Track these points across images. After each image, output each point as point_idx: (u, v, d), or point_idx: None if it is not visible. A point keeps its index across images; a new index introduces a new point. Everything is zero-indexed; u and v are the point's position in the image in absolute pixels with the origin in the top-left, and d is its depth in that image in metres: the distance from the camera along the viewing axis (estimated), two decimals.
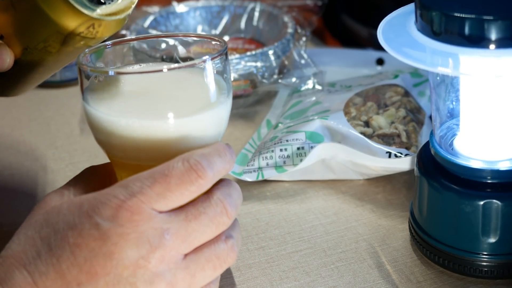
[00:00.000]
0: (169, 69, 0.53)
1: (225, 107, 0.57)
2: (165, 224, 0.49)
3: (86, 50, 0.58)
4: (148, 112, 0.55)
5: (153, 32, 0.96)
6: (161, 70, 0.53)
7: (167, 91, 0.55)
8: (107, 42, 0.60)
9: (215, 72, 0.56)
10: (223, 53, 0.56)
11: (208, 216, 0.51)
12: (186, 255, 0.50)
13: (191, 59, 0.64)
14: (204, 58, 0.55)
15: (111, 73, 0.56)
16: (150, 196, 0.49)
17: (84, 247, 0.48)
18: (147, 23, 0.96)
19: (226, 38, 0.99)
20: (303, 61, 0.91)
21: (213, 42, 0.60)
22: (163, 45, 0.95)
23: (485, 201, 0.59)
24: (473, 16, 0.53)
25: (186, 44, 1.00)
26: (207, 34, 0.61)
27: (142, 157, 0.55)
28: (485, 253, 0.61)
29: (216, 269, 0.52)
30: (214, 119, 0.56)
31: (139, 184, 0.50)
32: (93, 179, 0.58)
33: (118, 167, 0.59)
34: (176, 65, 0.54)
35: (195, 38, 0.63)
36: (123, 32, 0.95)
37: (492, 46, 0.54)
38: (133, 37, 0.63)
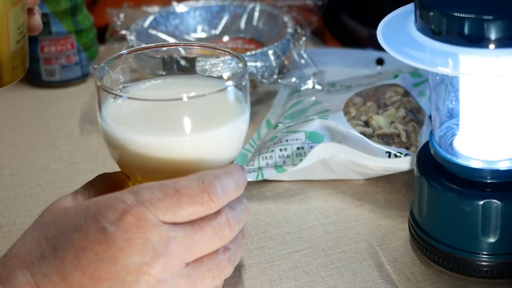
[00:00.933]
0: (189, 98, 0.53)
1: (244, 120, 0.57)
2: (171, 232, 0.49)
3: (102, 64, 0.57)
4: (166, 129, 0.55)
5: (152, 32, 0.96)
6: (181, 99, 0.53)
7: (186, 108, 0.55)
8: (122, 52, 0.59)
9: (234, 91, 0.56)
10: (245, 75, 0.56)
11: (213, 229, 0.51)
12: (187, 264, 0.51)
13: (193, 60, 0.64)
14: (228, 84, 0.55)
15: (124, 97, 0.56)
16: (158, 208, 0.49)
17: (89, 250, 0.48)
18: (147, 23, 0.96)
19: (226, 38, 0.99)
20: (303, 61, 0.91)
21: (227, 57, 0.60)
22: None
23: (485, 201, 0.59)
24: (472, 16, 0.53)
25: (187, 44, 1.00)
26: (226, 48, 0.60)
27: (160, 176, 0.55)
28: (485, 253, 0.61)
29: (215, 279, 0.52)
30: (234, 133, 0.57)
31: (149, 193, 0.50)
32: (105, 186, 0.58)
33: (133, 182, 0.59)
34: (197, 93, 0.53)
35: (212, 49, 0.63)
36: (123, 32, 0.95)
37: (491, 46, 0.54)
38: (151, 44, 0.63)
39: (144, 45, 0.63)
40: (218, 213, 0.52)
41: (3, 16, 0.59)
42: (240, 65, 0.58)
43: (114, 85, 0.59)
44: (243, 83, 0.57)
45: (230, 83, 0.55)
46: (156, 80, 0.61)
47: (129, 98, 0.56)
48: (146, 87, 0.60)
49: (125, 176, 0.59)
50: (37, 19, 0.66)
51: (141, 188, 0.50)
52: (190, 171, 0.53)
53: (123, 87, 0.60)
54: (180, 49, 0.97)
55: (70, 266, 0.48)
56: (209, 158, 0.55)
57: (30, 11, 0.65)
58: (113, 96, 0.56)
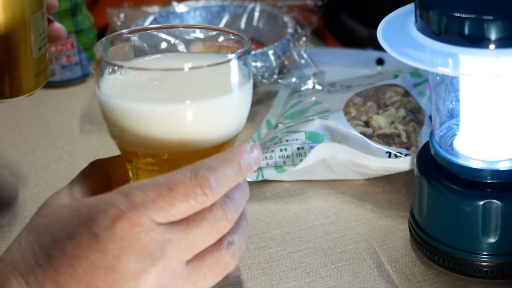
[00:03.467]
0: (191, 68, 0.52)
1: (247, 90, 0.56)
2: (166, 235, 0.48)
3: (103, 39, 0.57)
4: (171, 97, 0.54)
5: (153, 32, 0.96)
6: (183, 69, 0.52)
7: (189, 78, 0.54)
8: (123, 31, 0.59)
9: (237, 64, 0.55)
10: (247, 51, 0.56)
11: (210, 222, 0.50)
12: (187, 262, 0.50)
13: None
14: (230, 57, 0.54)
15: (125, 67, 0.55)
16: (151, 209, 0.48)
17: (83, 259, 0.47)
18: (147, 23, 0.96)
19: None
20: (303, 61, 0.91)
21: (232, 37, 0.59)
22: (164, 44, 0.95)
23: (485, 201, 0.59)
24: (472, 16, 0.53)
25: (187, 43, 1.01)
26: (226, 28, 0.60)
27: (163, 149, 0.54)
28: (485, 253, 0.61)
29: (217, 276, 0.51)
30: (237, 101, 0.55)
31: (141, 194, 0.48)
32: (100, 174, 0.57)
33: (133, 160, 0.58)
34: (199, 64, 0.52)
35: (214, 32, 0.62)
36: (123, 32, 0.95)
37: (491, 46, 0.54)
38: (153, 26, 0.61)
39: (146, 26, 0.62)
40: (213, 204, 0.50)
41: (25, 23, 0.60)
42: (244, 40, 0.58)
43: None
44: (246, 57, 0.56)
45: (232, 56, 0.55)
46: (156, 55, 0.60)
47: (130, 68, 0.55)
48: (147, 60, 0.60)
49: (118, 160, 0.58)
50: (58, 27, 0.65)
51: (133, 188, 0.49)
52: (194, 143, 0.52)
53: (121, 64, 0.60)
54: (181, 47, 0.97)
55: (65, 275, 0.47)
56: (213, 128, 0.54)
57: (49, 20, 0.65)
58: (114, 68, 0.55)
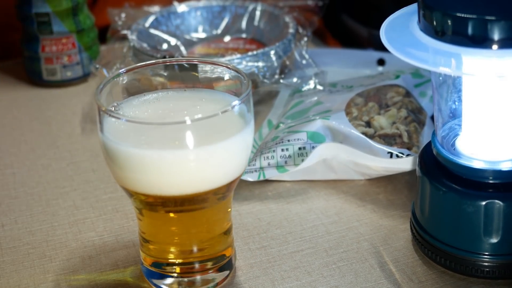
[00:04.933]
0: (192, 121, 0.54)
1: (249, 130, 0.58)
2: None
3: (101, 85, 0.58)
4: (179, 142, 0.55)
5: (155, 32, 0.96)
6: (184, 122, 0.54)
7: (193, 125, 0.55)
8: (120, 71, 0.60)
9: (240, 108, 0.57)
10: (249, 93, 0.57)
11: None
12: None
13: (194, 66, 0.64)
14: (234, 103, 0.56)
15: (123, 119, 0.55)
16: None
17: None
18: (148, 22, 0.96)
19: (227, 38, 0.99)
20: (304, 61, 0.91)
21: (233, 73, 0.60)
22: (165, 45, 0.96)
23: (487, 201, 0.60)
24: (476, 16, 0.54)
25: (189, 44, 1.01)
26: (228, 63, 0.61)
27: (168, 191, 0.55)
28: (486, 253, 0.61)
29: None
30: (242, 142, 0.58)
31: None
32: None
33: (148, 212, 0.59)
34: (199, 116, 0.54)
35: (214, 66, 0.63)
36: (124, 32, 0.95)
37: (494, 47, 0.54)
38: (150, 62, 0.62)
39: (142, 63, 0.62)
40: None
41: None
42: (244, 79, 0.58)
43: (114, 96, 0.60)
44: (248, 98, 0.58)
45: (236, 102, 0.56)
46: (149, 96, 0.61)
47: (128, 121, 0.56)
48: (144, 101, 0.60)
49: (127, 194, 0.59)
50: None
51: None
52: (200, 184, 0.54)
53: (119, 103, 0.60)
54: (182, 48, 0.97)
55: None
56: (221, 171, 0.56)
57: None
58: (117, 118, 0.56)
